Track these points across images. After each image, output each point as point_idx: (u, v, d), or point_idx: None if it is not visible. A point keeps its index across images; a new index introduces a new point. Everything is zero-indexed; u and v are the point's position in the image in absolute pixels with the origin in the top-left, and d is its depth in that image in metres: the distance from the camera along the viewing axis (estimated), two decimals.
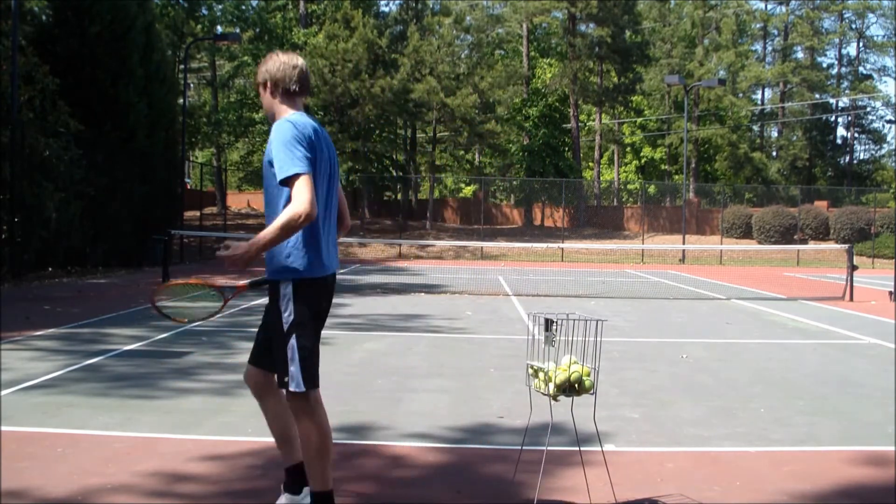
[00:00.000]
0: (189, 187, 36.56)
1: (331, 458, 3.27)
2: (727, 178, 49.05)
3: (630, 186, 48.92)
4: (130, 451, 4.41)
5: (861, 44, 56.05)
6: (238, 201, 43.98)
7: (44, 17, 20.59)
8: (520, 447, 4.20)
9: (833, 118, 56.03)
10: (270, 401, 3.49)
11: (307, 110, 3.44)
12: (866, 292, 16.07)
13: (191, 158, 41.95)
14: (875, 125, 58.90)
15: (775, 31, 55.27)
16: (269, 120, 3.35)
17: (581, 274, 21.16)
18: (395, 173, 42.55)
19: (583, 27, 42.38)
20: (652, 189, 44.05)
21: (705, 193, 41.56)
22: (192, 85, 43.54)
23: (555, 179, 36.91)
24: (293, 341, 3.18)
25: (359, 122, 34.76)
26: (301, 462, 3.37)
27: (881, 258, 29.73)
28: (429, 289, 15.30)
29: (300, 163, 3.05)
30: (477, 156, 47.05)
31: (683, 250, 30.19)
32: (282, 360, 3.20)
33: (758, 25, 53.31)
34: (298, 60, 3.36)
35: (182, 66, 28.70)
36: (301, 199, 2.99)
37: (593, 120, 47.13)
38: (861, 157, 58.58)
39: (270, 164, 3.12)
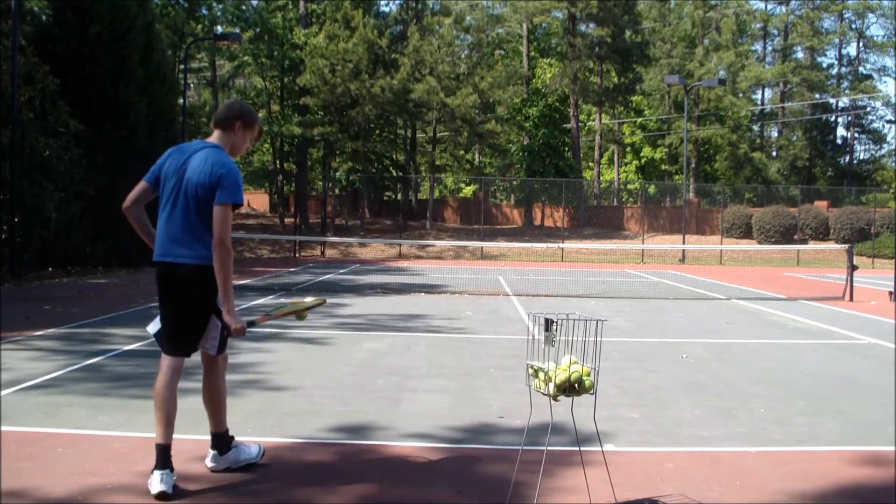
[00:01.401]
0: None
1: (161, 416, 3.78)
2: (727, 178, 49.07)
3: (630, 186, 48.94)
4: (130, 451, 4.41)
5: (861, 44, 56.09)
6: None
7: (44, 17, 20.57)
8: (520, 447, 4.20)
9: (833, 118, 56.05)
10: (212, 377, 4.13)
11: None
12: (866, 292, 16.08)
13: None
14: (875, 125, 59.01)
15: (775, 31, 55.30)
16: None
17: (581, 274, 21.16)
18: (395, 173, 42.58)
19: (583, 27, 42.41)
20: (652, 189, 44.07)
21: (705, 193, 41.58)
22: (192, 85, 43.56)
23: (555, 179, 36.93)
24: None
25: (359, 122, 34.77)
26: (226, 429, 4.08)
27: (881, 258, 29.74)
28: (429, 289, 15.30)
29: None
30: (477, 156, 47.07)
31: (683, 250, 30.19)
32: None
33: (758, 25, 53.33)
34: (226, 102, 4.27)
35: (182, 66, 28.70)
36: None
37: (593, 120, 47.15)
38: (861, 157, 58.66)
39: None
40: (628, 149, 53.42)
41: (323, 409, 5.47)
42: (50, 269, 17.05)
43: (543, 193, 39.67)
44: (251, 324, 4.00)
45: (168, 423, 3.76)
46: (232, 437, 4.11)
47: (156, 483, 3.65)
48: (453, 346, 8.41)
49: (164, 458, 3.71)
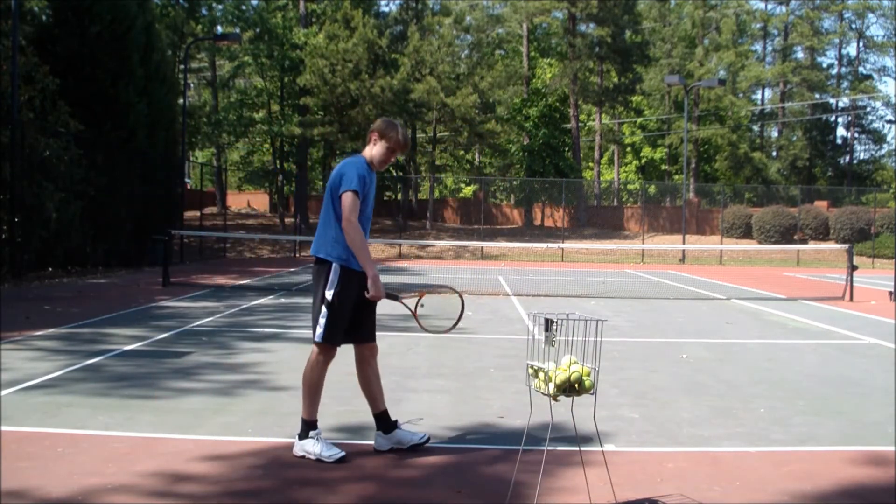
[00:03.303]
0: (189, 187, 36.55)
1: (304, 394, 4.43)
2: (727, 178, 49.06)
3: (630, 186, 48.93)
4: (130, 451, 4.41)
5: (861, 44, 56.06)
6: (238, 201, 43.99)
7: (44, 17, 20.58)
8: (520, 447, 4.20)
9: (833, 118, 56.03)
10: (362, 367, 4.72)
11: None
12: (866, 292, 16.07)
13: (191, 158, 41.92)
14: (875, 125, 58.94)
15: (775, 31, 55.26)
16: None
17: (581, 274, 21.16)
18: (395, 173, 42.56)
19: (583, 27, 42.39)
20: (652, 189, 44.06)
21: (705, 193, 41.57)
22: (192, 85, 43.51)
23: (555, 179, 36.91)
24: None
25: (359, 122, 34.74)
26: (384, 409, 4.54)
27: (881, 258, 29.74)
28: (429, 289, 15.28)
29: None
30: (477, 156, 47.05)
31: (683, 250, 30.19)
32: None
33: (758, 25, 53.30)
34: None
35: (182, 66, 28.69)
36: None
37: (593, 120, 47.14)
38: (861, 157, 58.60)
39: None
40: (628, 149, 53.39)
41: (323, 409, 5.44)
42: (50, 269, 17.05)
43: (543, 193, 39.66)
44: (393, 297, 4.78)
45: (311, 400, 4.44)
46: (395, 421, 4.56)
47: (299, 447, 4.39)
48: (453, 346, 8.41)
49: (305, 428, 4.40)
